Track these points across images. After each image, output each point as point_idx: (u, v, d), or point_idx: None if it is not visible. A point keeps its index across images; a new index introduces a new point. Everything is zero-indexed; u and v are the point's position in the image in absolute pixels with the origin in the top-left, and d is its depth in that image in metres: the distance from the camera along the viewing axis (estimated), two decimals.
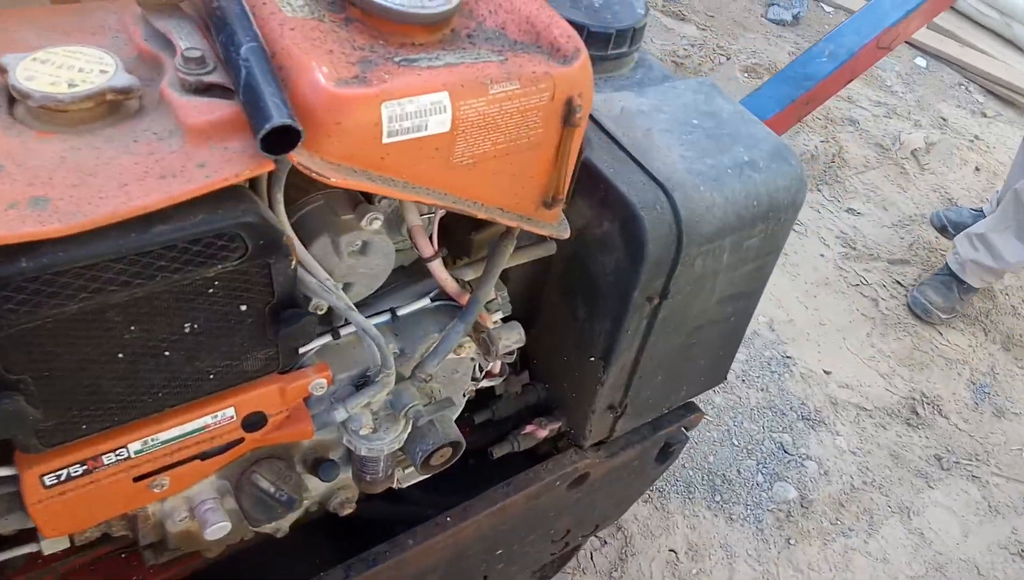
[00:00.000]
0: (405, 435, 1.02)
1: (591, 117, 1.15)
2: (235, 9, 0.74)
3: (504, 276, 1.25)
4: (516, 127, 0.84)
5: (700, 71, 3.77)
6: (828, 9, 4.60)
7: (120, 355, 0.77)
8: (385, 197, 0.95)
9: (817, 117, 3.70)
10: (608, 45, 1.23)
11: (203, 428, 0.89)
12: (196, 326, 0.79)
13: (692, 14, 4.15)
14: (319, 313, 0.93)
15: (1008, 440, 2.60)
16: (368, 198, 0.95)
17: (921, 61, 4.39)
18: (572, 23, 1.22)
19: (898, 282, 3.01)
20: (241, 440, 0.94)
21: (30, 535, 0.94)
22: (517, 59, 0.84)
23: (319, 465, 1.04)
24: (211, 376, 0.85)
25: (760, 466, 2.30)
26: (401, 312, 1.01)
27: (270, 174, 0.78)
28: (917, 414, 2.59)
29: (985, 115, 4.15)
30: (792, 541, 2.16)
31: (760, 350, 2.60)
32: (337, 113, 0.71)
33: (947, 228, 3.09)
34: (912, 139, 3.74)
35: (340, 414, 0.95)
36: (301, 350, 0.94)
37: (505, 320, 1.14)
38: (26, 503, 0.81)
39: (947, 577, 2.19)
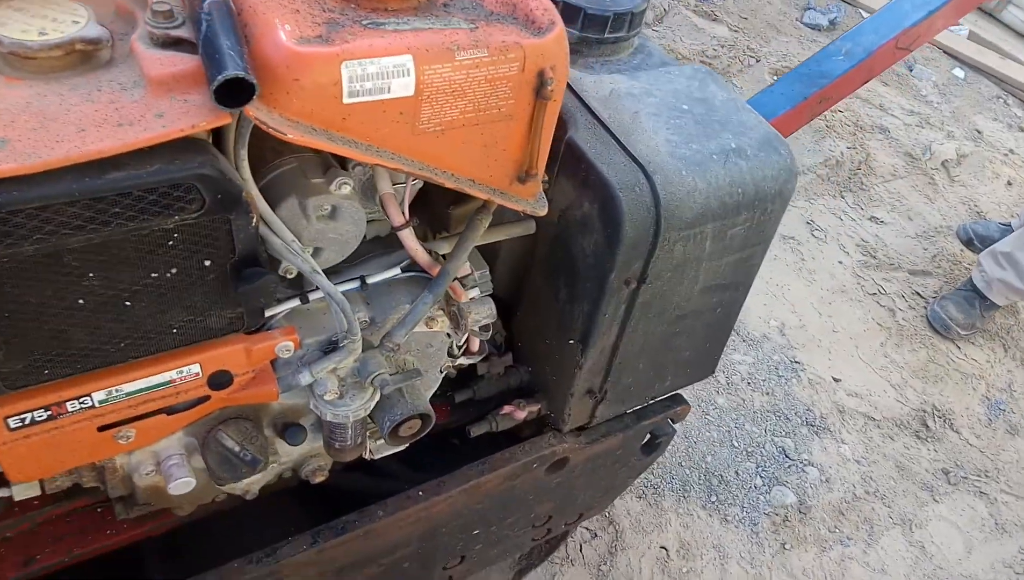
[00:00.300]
0: (372, 403, 1.03)
1: (579, 97, 1.14)
2: None
3: (492, 257, 1.25)
4: (485, 96, 0.84)
5: (728, 72, 3.73)
6: (866, 14, 4.53)
7: (81, 301, 0.78)
8: (359, 165, 0.96)
9: (846, 123, 3.64)
10: (605, 28, 1.22)
11: (168, 383, 0.91)
12: (157, 277, 0.80)
13: (725, 15, 4.11)
14: (289, 277, 0.95)
15: (1021, 458, 2.53)
16: (343, 164, 0.95)
17: (959, 72, 4.30)
18: (570, 5, 1.23)
19: (917, 293, 2.95)
20: (207, 398, 0.95)
21: (3, 479, 0.97)
22: (488, 28, 0.84)
23: (287, 429, 1.05)
24: (174, 330, 0.86)
25: (759, 469, 2.27)
26: (371, 280, 1.01)
27: (236, 131, 0.79)
28: (927, 427, 2.53)
29: (1022, 129, 4.05)
30: (787, 546, 2.13)
31: (768, 354, 2.56)
32: (296, 70, 0.72)
33: (973, 241, 3.02)
34: (943, 150, 3.66)
35: (305, 377, 0.96)
36: (269, 313, 0.95)
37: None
38: None
39: None
